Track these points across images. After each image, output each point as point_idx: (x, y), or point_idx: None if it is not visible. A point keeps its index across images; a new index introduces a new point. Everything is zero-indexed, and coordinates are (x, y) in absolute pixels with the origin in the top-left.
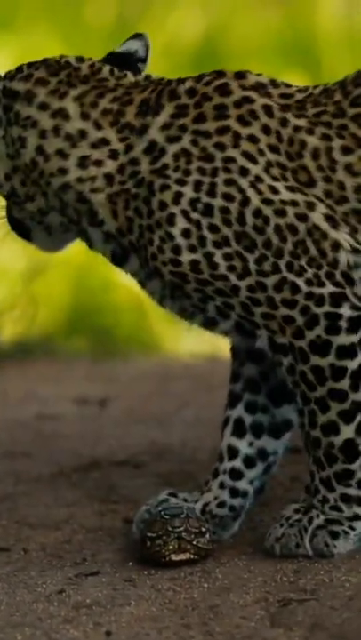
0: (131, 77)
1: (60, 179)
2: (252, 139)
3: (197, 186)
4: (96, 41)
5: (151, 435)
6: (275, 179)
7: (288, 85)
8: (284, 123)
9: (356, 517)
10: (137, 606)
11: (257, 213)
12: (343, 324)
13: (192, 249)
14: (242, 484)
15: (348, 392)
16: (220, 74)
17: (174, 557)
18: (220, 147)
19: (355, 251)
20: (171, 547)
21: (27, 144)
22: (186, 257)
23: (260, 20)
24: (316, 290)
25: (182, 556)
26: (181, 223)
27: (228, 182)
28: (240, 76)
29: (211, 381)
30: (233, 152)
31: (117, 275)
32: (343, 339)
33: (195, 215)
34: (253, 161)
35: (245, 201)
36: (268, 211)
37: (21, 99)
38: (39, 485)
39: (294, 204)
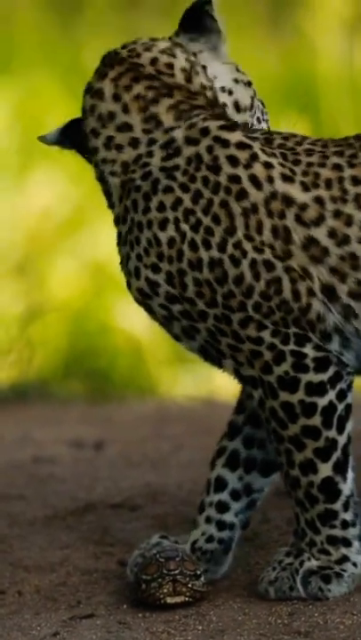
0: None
1: (94, 157)
2: (268, 164)
3: (196, 197)
4: None
5: (147, 477)
6: (269, 213)
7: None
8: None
9: (344, 559)
10: None
11: (237, 245)
12: (310, 363)
13: (170, 260)
14: (228, 517)
15: (322, 429)
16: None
17: (169, 600)
18: (233, 161)
19: (325, 304)
20: (166, 589)
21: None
22: (164, 266)
23: (260, 63)
24: (283, 329)
25: (177, 599)
26: (171, 231)
27: (223, 204)
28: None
29: (206, 424)
30: (241, 171)
31: (114, 318)
32: (312, 376)
33: (184, 226)
34: (258, 187)
35: (231, 230)
36: (247, 245)
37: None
38: (34, 528)
39: (272, 247)
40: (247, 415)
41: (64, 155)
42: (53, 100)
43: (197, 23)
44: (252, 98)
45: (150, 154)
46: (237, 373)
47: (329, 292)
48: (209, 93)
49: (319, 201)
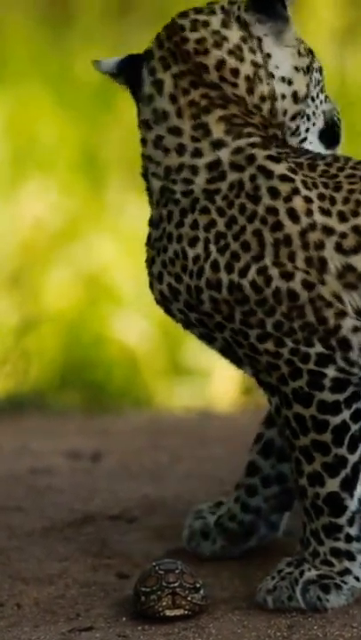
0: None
1: (142, 148)
2: (308, 199)
3: (230, 223)
4: (87, 95)
5: (144, 489)
6: (305, 246)
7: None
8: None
9: (346, 572)
10: None
11: (261, 271)
12: (327, 382)
13: (191, 275)
14: (255, 501)
15: (331, 446)
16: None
17: (168, 613)
18: (274, 193)
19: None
20: (165, 602)
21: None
22: (186, 279)
23: None
24: (303, 348)
25: (176, 612)
26: (199, 249)
27: (256, 233)
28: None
29: (203, 436)
30: (280, 204)
31: (110, 329)
32: (326, 395)
33: (212, 247)
34: (295, 219)
35: (259, 257)
36: (274, 272)
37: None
38: (32, 540)
39: (307, 272)
40: None
41: (55, 165)
42: (45, 110)
43: (269, 5)
44: (308, 85)
45: (195, 170)
46: (257, 378)
47: None
48: (266, 107)
49: (357, 230)
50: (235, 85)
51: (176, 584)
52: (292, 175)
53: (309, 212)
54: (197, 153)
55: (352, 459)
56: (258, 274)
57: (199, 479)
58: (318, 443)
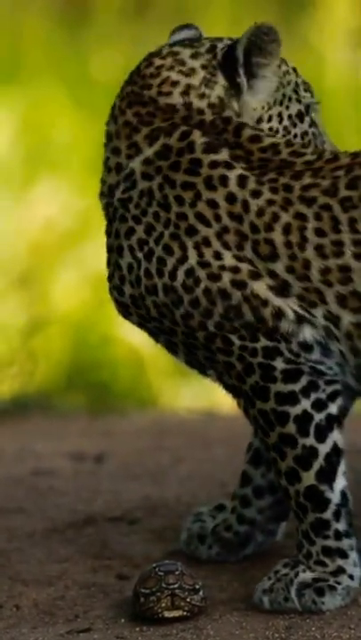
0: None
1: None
2: (212, 203)
3: (149, 230)
4: (102, 94)
5: (146, 490)
6: (225, 245)
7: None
8: (256, 194)
9: (340, 571)
10: None
11: (189, 273)
12: (278, 374)
13: (132, 285)
14: (249, 512)
15: (297, 437)
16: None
17: (167, 614)
18: (179, 201)
19: (300, 320)
20: (164, 603)
21: None
22: (127, 290)
23: None
24: (249, 344)
25: (175, 613)
26: (128, 258)
27: (174, 237)
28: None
29: (206, 437)
30: (188, 210)
31: (116, 330)
32: (280, 387)
33: (139, 255)
34: (206, 224)
35: (183, 259)
36: (201, 273)
37: None
38: (33, 541)
39: (235, 270)
40: None
41: (68, 166)
42: (60, 110)
43: (231, 71)
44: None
45: (117, 185)
46: (222, 382)
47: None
48: (201, 117)
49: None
50: (169, 95)
51: (175, 585)
52: (193, 182)
53: (218, 217)
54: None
55: (323, 449)
56: (186, 276)
57: (201, 481)
58: (285, 435)
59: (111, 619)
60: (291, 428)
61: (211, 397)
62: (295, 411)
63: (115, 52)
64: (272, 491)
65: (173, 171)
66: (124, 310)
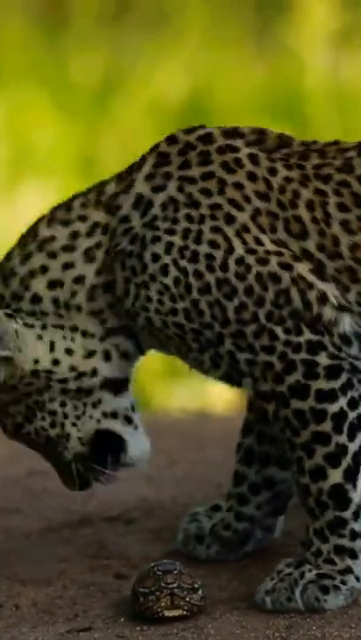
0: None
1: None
2: (238, 185)
3: (186, 234)
4: (83, 97)
5: (142, 491)
6: (261, 229)
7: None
8: (272, 171)
9: (348, 570)
10: None
11: (240, 261)
12: (321, 371)
13: (182, 297)
14: (248, 509)
15: (332, 434)
16: (204, 127)
17: (167, 613)
18: (207, 193)
19: (340, 308)
20: (163, 603)
21: None
22: (180, 305)
23: (247, 78)
24: (294, 338)
25: (175, 612)
26: (173, 272)
27: (215, 229)
28: (225, 129)
29: (200, 438)
30: (219, 198)
31: None
32: (322, 384)
33: (183, 262)
34: (240, 208)
35: (230, 249)
36: (250, 259)
37: None
38: (30, 541)
39: (279, 254)
40: (258, 414)
41: (52, 168)
42: (41, 113)
43: None
44: None
45: (126, 219)
46: (255, 391)
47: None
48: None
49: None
50: None
51: (174, 585)
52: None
53: (247, 198)
54: (117, 208)
55: (352, 447)
56: (237, 264)
57: (196, 481)
58: (319, 433)
59: (111, 618)
60: (327, 425)
61: (204, 398)
62: (333, 408)
63: (94, 55)
64: (268, 486)
65: (185, 169)
66: (180, 330)
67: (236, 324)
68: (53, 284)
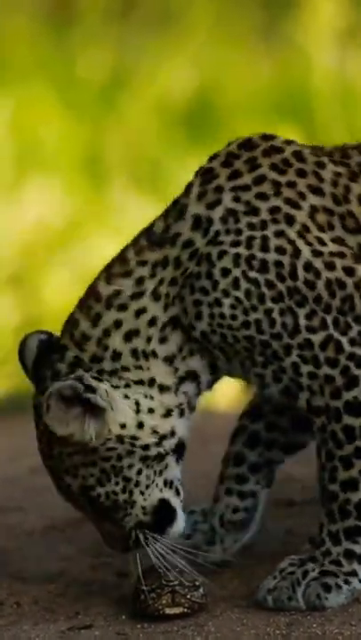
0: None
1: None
2: (291, 184)
3: (250, 243)
4: (89, 95)
5: None
6: (320, 228)
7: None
8: (321, 165)
9: (353, 573)
10: None
11: (308, 267)
12: None
13: (254, 308)
14: (248, 487)
15: None
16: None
17: (168, 611)
18: (263, 197)
19: None
20: (165, 600)
21: None
22: (252, 316)
23: (253, 74)
24: (358, 350)
25: (176, 610)
26: (244, 284)
27: (278, 234)
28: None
29: (204, 434)
30: (276, 200)
31: None
32: None
33: (253, 273)
34: (297, 206)
35: (296, 253)
36: (318, 264)
37: None
38: (32, 539)
39: (341, 255)
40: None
41: (58, 166)
42: (48, 111)
43: None
44: None
45: (190, 243)
46: (308, 405)
47: None
48: None
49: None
50: None
51: (175, 582)
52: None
53: (302, 195)
54: (175, 238)
55: None
56: (306, 271)
57: (200, 477)
58: None
59: (112, 615)
60: None
61: (208, 394)
62: None
63: (101, 52)
64: (268, 465)
65: (236, 178)
66: (250, 344)
67: (305, 332)
68: (129, 336)
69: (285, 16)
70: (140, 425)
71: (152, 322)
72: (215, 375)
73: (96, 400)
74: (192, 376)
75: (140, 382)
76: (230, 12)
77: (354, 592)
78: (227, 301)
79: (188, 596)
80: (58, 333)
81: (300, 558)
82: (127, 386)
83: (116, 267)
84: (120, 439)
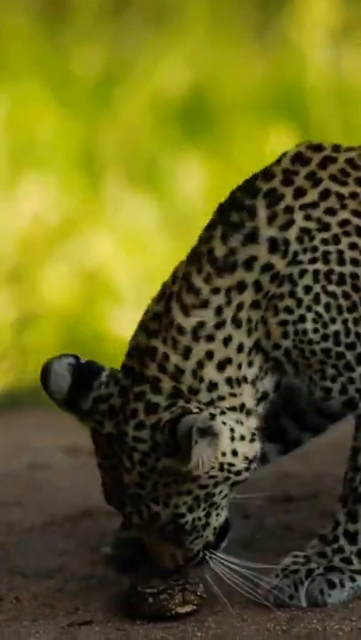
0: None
1: None
2: (354, 195)
3: (326, 258)
4: (84, 92)
5: None
6: None
7: None
8: None
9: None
10: None
11: None
12: None
13: (333, 320)
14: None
15: None
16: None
17: (180, 610)
18: (330, 212)
19: None
20: (177, 599)
21: None
22: (331, 329)
23: (248, 72)
24: None
25: (187, 608)
26: (324, 299)
27: (352, 246)
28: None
29: None
30: (343, 213)
31: (107, 326)
32: None
33: (332, 287)
34: None
35: None
36: None
37: None
38: (31, 535)
39: None
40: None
41: (53, 163)
42: (43, 107)
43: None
44: None
45: (270, 267)
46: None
47: None
48: None
49: None
50: None
51: (182, 581)
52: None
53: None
54: (250, 262)
55: None
56: None
57: None
58: None
59: (111, 611)
60: None
61: None
62: None
63: (95, 49)
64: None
65: (302, 196)
66: (326, 356)
67: None
68: (222, 365)
69: (280, 14)
70: (235, 452)
71: (240, 348)
72: (276, 393)
73: (220, 430)
74: (265, 396)
75: (233, 409)
76: (225, 9)
77: (356, 590)
78: (310, 316)
79: (197, 593)
80: (54, 329)
81: (305, 555)
82: (223, 413)
83: (190, 298)
84: (221, 467)
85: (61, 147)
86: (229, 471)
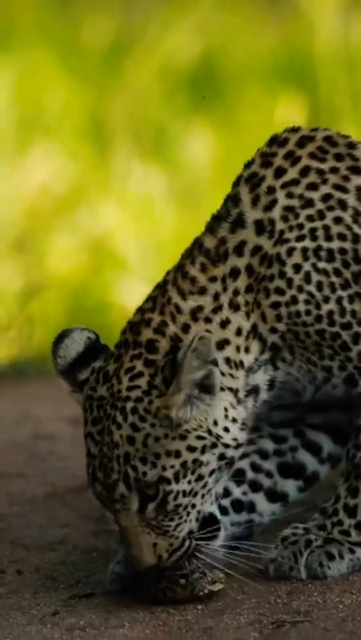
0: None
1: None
2: (334, 170)
3: (314, 234)
4: (92, 62)
5: None
6: None
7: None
8: (352, 146)
9: (359, 544)
10: (131, 628)
11: None
12: None
13: (326, 300)
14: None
15: None
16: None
17: (213, 588)
18: (313, 187)
19: None
20: (210, 577)
21: None
22: (325, 309)
23: (257, 41)
24: None
25: (219, 586)
26: (315, 277)
27: (337, 220)
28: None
29: None
30: (326, 188)
31: (112, 296)
32: None
33: (321, 264)
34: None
35: (356, 239)
36: None
37: None
38: (34, 506)
39: None
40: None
41: (61, 132)
42: (52, 78)
43: None
44: None
45: (259, 248)
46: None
47: None
48: None
49: None
50: None
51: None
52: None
53: (346, 179)
54: (241, 246)
55: None
56: None
57: None
58: None
59: None
60: None
61: None
62: None
63: (105, 18)
64: (250, 510)
65: (282, 175)
66: (320, 338)
67: None
68: (221, 345)
69: None
70: (226, 429)
71: (238, 332)
72: (270, 392)
73: (215, 377)
74: (255, 391)
75: (229, 389)
76: None
77: (356, 564)
78: (301, 297)
79: (223, 571)
80: (61, 299)
81: (305, 527)
82: (221, 389)
83: (187, 284)
84: (209, 432)
85: (70, 116)
86: (218, 438)
